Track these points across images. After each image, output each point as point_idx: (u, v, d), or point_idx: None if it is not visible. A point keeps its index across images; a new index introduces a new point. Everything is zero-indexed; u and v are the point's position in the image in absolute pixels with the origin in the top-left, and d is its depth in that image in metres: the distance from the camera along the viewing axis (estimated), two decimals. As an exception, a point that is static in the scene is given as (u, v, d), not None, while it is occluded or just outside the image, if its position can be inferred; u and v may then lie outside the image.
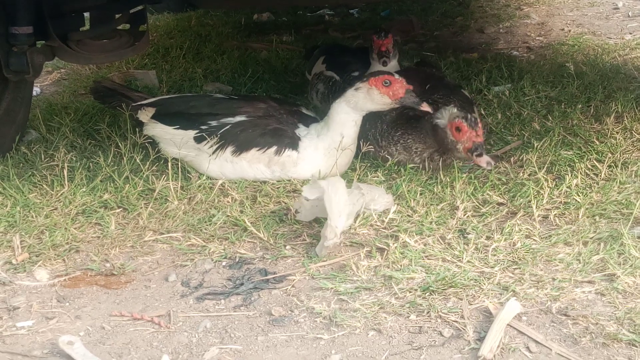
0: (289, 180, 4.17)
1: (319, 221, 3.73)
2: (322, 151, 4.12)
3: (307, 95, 5.46)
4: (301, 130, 4.20)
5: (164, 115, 4.37)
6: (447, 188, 3.96)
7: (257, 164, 4.17)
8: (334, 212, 3.41)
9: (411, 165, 4.20)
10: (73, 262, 3.58)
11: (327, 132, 4.13)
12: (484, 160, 3.89)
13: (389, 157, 4.29)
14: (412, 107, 4.15)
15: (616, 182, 3.89)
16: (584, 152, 4.29)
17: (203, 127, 4.24)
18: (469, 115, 3.90)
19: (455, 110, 3.98)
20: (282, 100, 4.55)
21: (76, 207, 3.94)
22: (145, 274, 3.50)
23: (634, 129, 4.54)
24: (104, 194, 4.04)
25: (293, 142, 4.17)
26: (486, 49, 6.85)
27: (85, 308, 3.28)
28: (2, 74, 4.40)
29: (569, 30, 7.38)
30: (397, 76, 4.10)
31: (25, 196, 4.04)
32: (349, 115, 4.12)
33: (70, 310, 3.27)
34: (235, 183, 4.15)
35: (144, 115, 4.41)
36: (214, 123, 4.24)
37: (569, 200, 3.76)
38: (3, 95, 4.65)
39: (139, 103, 4.47)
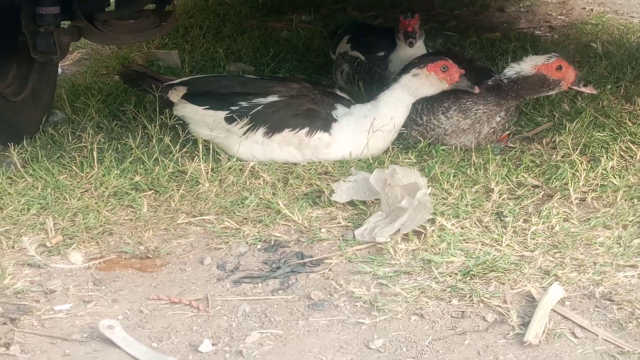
0: (320, 162, 4.13)
1: (353, 204, 3.70)
2: (364, 132, 4.09)
3: (331, 76, 5.41)
4: (339, 112, 4.16)
5: (195, 95, 4.33)
6: (480, 170, 3.93)
7: (287, 147, 4.13)
8: (410, 225, 3.41)
9: (443, 146, 4.16)
10: (107, 245, 3.56)
11: (374, 114, 4.11)
12: (591, 87, 4.19)
13: (422, 137, 4.25)
14: (466, 90, 4.18)
15: (655, 167, 3.84)
16: (617, 133, 4.24)
17: (234, 108, 4.21)
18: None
19: (534, 55, 4.19)
20: (316, 82, 4.50)
21: (107, 189, 3.90)
22: (180, 257, 3.48)
23: (667, 111, 4.49)
24: (135, 175, 4.00)
25: (326, 124, 4.14)
26: (508, 29, 6.78)
27: (122, 291, 3.26)
28: (29, 55, 4.36)
29: (591, 9, 7.31)
30: (451, 61, 4.08)
31: (55, 178, 4.02)
32: (402, 101, 4.14)
33: (107, 293, 3.25)
34: (266, 165, 4.12)
35: (175, 95, 4.37)
36: (245, 103, 4.21)
37: (606, 183, 3.73)
38: (29, 76, 4.62)
39: (169, 82, 4.43)
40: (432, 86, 4.12)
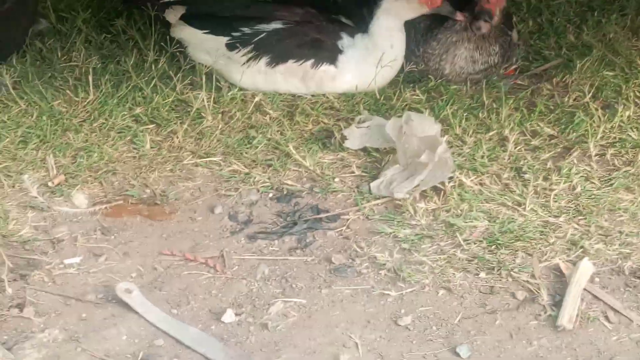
0: (325, 96, 3.98)
1: (367, 151, 3.58)
2: (370, 64, 3.95)
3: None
4: (344, 42, 4.00)
5: (194, 17, 4.13)
6: (492, 114, 3.81)
7: (291, 78, 3.98)
8: (430, 182, 3.29)
9: (454, 86, 4.04)
10: (111, 186, 3.44)
11: (375, 44, 3.96)
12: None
13: (425, 64, 4.14)
14: (447, 15, 4.04)
15: (671, 117, 3.75)
16: (628, 74, 4.13)
17: (235, 34, 4.03)
18: None
19: None
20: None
21: (107, 121, 3.73)
22: (189, 203, 3.36)
23: (678, 49, 4.38)
24: (134, 106, 3.82)
25: (332, 55, 3.98)
26: None
27: (132, 243, 3.15)
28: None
29: None
30: None
31: (49, 104, 3.84)
32: (392, 27, 3.96)
33: (117, 245, 3.14)
34: (269, 97, 3.96)
35: (172, 16, 4.17)
36: (247, 30, 4.03)
37: (624, 137, 3.63)
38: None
39: (166, 0, 4.21)
40: (412, 10, 3.95)
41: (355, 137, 3.57)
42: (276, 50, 3.99)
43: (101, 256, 3.07)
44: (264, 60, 3.99)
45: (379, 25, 3.95)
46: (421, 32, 4.20)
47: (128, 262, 3.05)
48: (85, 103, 3.87)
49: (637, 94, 3.97)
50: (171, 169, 3.52)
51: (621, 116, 3.75)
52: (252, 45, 4.00)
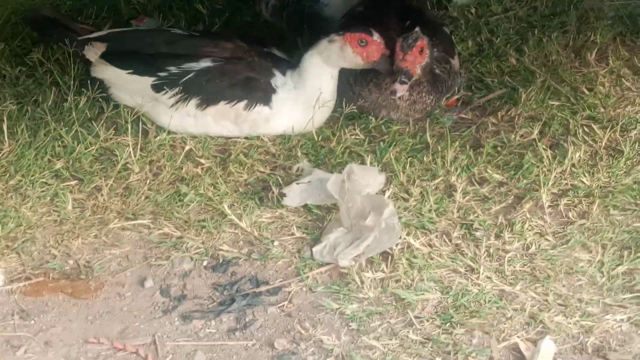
0: (260, 140, 3.74)
1: (308, 208, 3.34)
2: (301, 105, 3.72)
3: (254, 5, 4.92)
4: (277, 79, 3.75)
5: (116, 55, 3.84)
6: (437, 157, 3.60)
7: (223, 121, 3.72)
8: (376, 249, 3.07)
9: (397, 126, 3.81)
10: (30, 257, 3.16)
11: (303, 85, 3.72)
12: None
13: (364, 105, 3.90)
14: (384, 73, 3.76)
15: (622, 159, 3.56)
16: (574, 105, 3.94)
17: (162, 74, 3.76)
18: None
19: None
20: (251, 40, 4.01)
21: (23, 176, 3.44)
22: (116, 275, 3.10)
23: (621, 73, 4.20)
24: (54, 159, 3.53)
25: (266, 96, 3.72)
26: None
27: (54, 329, 2.89)
28: None
29: None
30: (376, 37, 3.66)
31: (-40, 158, 3.53)
32: (323, 69, 3.71)
33: (37, 332, 2.88)
34: (200, 142, 3.71)
35: (92, 53, 3.89)
36: (174, 69, 3.76)
37: (576, 183, 3.44)
38: None
39: (85, 37, 3.91)
40: (346, 59, 3.69)
41: (295, 193, 3.33)
42: (206, 91, 3.74)
43: (20, 348, 2.80)
44: (193, 102, 3.73)
45: (310, 63, 3.72)
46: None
47: (50, 355, 2.79)
48: (0, 155, 3.56)
49: (586, 129, 3.77)
50: (96, 234, 3.26)
51: (571, 158, 3.55)
52: (180, 87, 3.73)
